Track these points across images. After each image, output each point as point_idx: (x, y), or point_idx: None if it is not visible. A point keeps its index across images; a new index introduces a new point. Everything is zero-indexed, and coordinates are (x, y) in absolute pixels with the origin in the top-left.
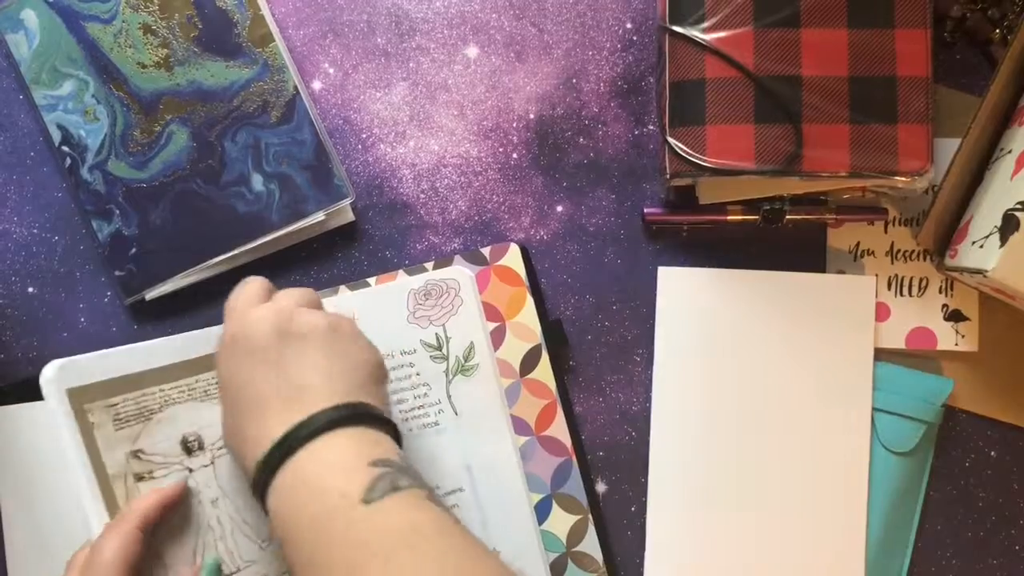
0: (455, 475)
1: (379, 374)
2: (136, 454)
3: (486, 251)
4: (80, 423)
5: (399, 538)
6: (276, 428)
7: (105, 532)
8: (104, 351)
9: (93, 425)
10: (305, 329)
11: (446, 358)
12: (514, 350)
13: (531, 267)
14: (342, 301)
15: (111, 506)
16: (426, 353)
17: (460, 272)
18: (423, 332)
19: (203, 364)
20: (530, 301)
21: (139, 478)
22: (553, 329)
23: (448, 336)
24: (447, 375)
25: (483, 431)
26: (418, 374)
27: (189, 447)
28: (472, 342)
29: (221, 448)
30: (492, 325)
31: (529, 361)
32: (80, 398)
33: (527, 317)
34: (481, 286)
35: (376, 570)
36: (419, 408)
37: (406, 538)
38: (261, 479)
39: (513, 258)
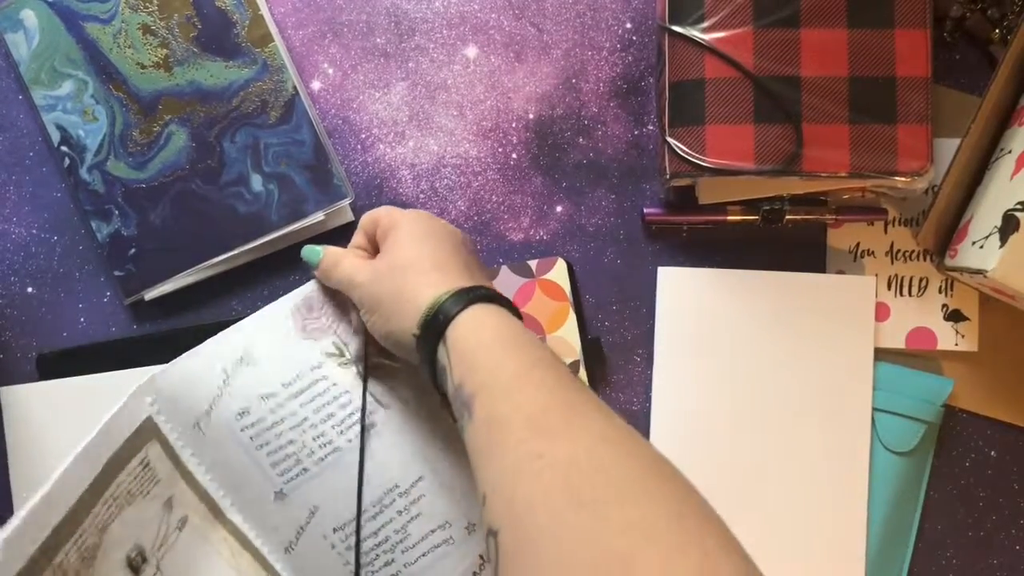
0: (409, 466)
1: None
2: None
3: (533, 264)
4: None
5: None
6: (465, 281)
7: None
8: (28, 505)
9: None
10: (470, 244)
11: (352, 361)
12: None
13: (575, 283)
14: (233, 336)
15: None
16: (333, 363)
17: None
18: (321, 344)
19: (117, 464)
20: (572, 317)
21: None
22: (592, 347)
23: (345, 341)
24: (361, 376)
25: (419, 415)
26: (335, 384)
27: (134, 565)
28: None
29: (164, 549)
30: None
31: None
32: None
33: (568, 333)
34: (525, 298)
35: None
36: (349, 417)
37: (595, 400)
38: (448, 307)
39: (559, 273)
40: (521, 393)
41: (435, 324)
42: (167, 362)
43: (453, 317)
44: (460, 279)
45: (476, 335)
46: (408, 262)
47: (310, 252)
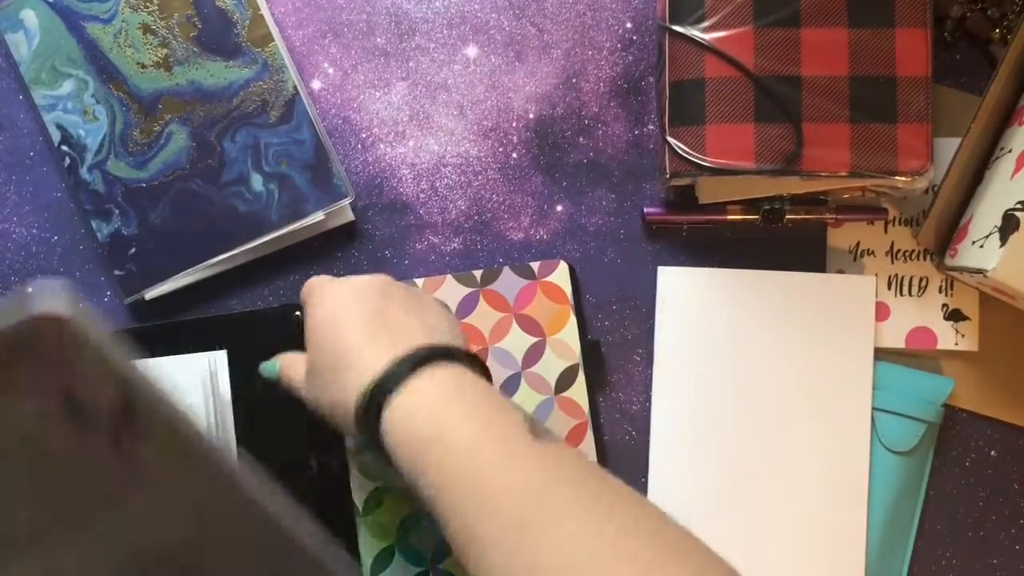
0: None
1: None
2: None
3: (535, 266)
4: None
5: (569, 471)
6: (387, 356)
7: None
8: None
9: None
10: (394, 288)
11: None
12: (551, 367)
13: (577, 286)
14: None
15: None
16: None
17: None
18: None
19: None
20: (572, 320)
21: None
22: (591, 349)
23: None
24: None
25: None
26: None
27: None
28: None
29: None
30: (532, 340)
31: (565, 379)
32: None
33: (568, 335)
34: (526, 300)
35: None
36: None
37: (574, 473)
38: (377, 399)
39: (561, 275)
40: (473, 496)
41: (370, 434)
42: (166, 355)
43: (379, 422)
44: (375, 361)
45: (407, 439)
46: (321, 366)
47: (268, 369)
